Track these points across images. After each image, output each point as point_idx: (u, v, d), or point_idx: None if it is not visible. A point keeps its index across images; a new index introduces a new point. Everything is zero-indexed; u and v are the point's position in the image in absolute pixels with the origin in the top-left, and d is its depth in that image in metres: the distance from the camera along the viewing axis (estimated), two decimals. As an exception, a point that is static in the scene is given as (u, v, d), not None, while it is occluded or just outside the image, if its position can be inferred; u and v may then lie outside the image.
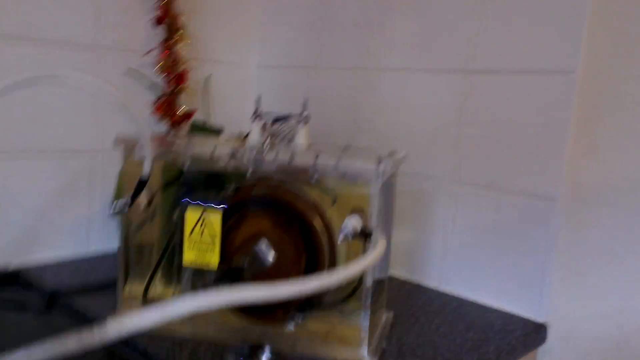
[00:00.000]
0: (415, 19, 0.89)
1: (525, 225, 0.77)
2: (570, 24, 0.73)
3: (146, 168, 0.61)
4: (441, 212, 0.86)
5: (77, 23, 0.89)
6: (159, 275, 0.70)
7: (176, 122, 0.97)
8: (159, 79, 0.97)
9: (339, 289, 0.63)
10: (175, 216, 0.67)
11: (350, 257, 0.62)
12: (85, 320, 0.73)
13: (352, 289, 0.62)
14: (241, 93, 1.15)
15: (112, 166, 0.96)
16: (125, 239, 0.70)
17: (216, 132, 0.97)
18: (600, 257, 0.72)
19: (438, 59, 0.86)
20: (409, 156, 0.90)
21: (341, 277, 0.42)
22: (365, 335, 0.61)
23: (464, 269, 0.84)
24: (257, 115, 0.72)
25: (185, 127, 0.98)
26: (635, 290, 0.70)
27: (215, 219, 0.64)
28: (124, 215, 0.67)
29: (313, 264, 0.63)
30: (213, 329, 0.67)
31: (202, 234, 0.64)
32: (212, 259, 0.64)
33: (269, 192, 0.64)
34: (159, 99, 0.96)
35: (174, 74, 0.95)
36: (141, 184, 0.63)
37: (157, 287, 0.71)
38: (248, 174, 0.64)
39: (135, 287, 0.70)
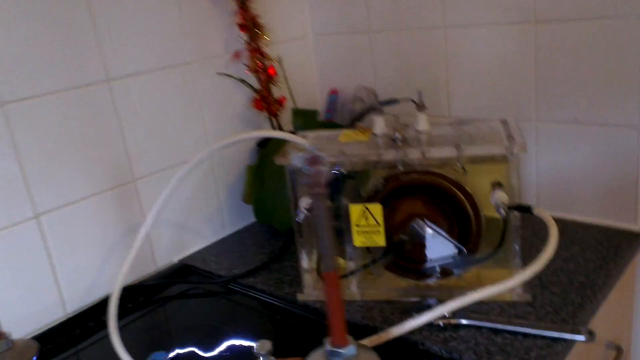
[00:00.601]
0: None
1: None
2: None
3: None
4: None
5: (171, 48, 0.98)
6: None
7: (273, 113, 1.08)
8: (249, 77, 1.07)
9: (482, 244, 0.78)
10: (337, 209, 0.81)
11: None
12: (264, 296, 0.89)
13: (498, 243, 0.76)
14: (305, 66, 1.24)
15: (230, 160, 1.09)
16: (300, 230, 0.84)
17: (313, 113, 1.08)
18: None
19: (503, 11, 0.95)
20: (494, 107, 1.02)
21: (543, 261, 0.57)
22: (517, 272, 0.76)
23: (561, 192, 0.99)
24: (378, 109, 0.84)
25: (283, 113, 1.09)
26: None
27: (376, 208, 0.77)
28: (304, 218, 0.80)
29: (465, 231, 0.77)
30: (388, 293, 0.83)
31: (367, 220, 0.78)
32: (380, 240, 0.78)
33: (417, 179, 0.77)
34: (255, 95, 1.06)
35: (263, 71, 1.05)
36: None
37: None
38: (399, 167, 0.76)
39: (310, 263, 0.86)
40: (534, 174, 1.01)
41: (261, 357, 0.58)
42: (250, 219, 1.15)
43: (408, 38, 1.08)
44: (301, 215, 0.78)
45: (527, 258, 0.78)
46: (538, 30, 0.92)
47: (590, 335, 0.68)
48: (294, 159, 0.45)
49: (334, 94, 1.23)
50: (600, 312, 0.79)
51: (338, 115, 1.22)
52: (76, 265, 0.90)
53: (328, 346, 0.52)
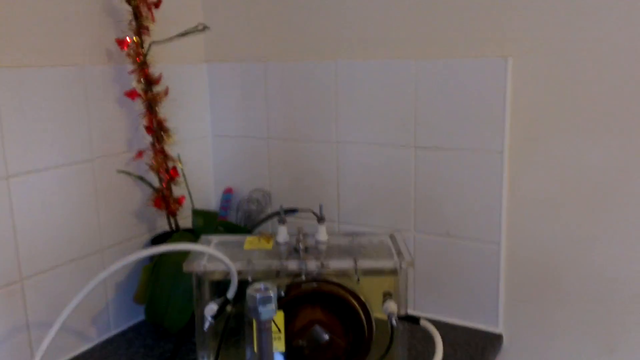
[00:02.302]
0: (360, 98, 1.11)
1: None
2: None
3: (231, 291, 0.78)
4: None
5: (74, 145, 0.98)
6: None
7: (172, 212, 1.10)
8: (149, 176, 1.09)
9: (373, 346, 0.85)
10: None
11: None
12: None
13: (386, 349, 0.84)
14: (202, 165, 1.28)
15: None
16: (202, 336, 0.85)
17: (214, 215, 1.12)
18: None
19: (384, 135, 1.10)
20: (379, 217, 1.14)
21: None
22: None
23: (434, 296, 1.11)
24: (282, 219, 0.90)
25: (180, 214, 1.11)
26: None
27: (278, 315, 0.82)
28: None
29: (358, 336, 0.84)
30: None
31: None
32: (280, 345, 0.82)
33: (317, 288, 0.83)
34: (155, 194, 1.08)
35: (166, 171, 1.07)
36: (226, 301, 0.79)
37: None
38: (302, 276, 0.83)
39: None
40: (412, 279, 1.12)
41: None
42: (137, 317, 1.12)
43: (303, 148, 1.18)
44: (207, 323, 0.80)
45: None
46: (417, 153, 1.07)
47: None
48: (249, 298, 0.49)
49: (228, 192, 1.28)
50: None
51: (232, 213, 1.27)
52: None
53: None
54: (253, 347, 0.83)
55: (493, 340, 1.03)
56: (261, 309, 0.50)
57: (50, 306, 0.96)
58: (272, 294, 0.50)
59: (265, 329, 0.51)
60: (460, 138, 1.03)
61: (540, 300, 1.03)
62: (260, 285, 0.51)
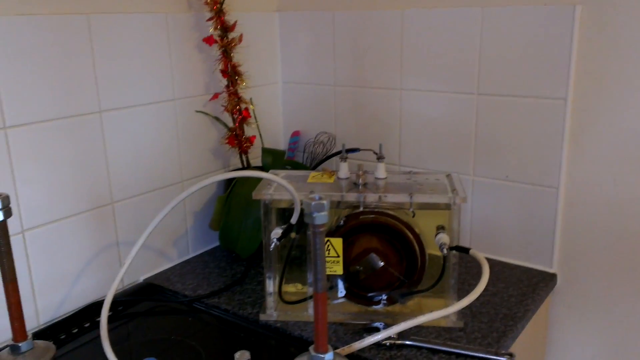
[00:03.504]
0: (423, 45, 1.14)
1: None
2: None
3: (295, 217, 0.86)
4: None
5: (158, 86, 1.09)
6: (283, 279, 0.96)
7: (244, 150, 1.19)
8: (224, 117, 1.19)
9: (425, 277, 0.92)
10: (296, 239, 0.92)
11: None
12: (227, 315, 0.98)
13: (438, 277, 0.90)
14: (272, 109, 1.36)
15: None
16: (269, 256, 0.94)
17: (282, 153, 1.20)
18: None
19: (452, 83, 1.12)
20: (438, 161, 1.18)
21: (476, 295, 0.70)
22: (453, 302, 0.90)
23: (490, 237, 1.15)
24: (344, 157, 0.97)
25: (251, 152, 1.21)
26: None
27: (337, 242, 0.89)
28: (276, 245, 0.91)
29: (411, 265, 0.90)
30: (341, 316, 0.94)
31: (329, 252, 0.90)
32: (338, 269, 0.90)
33: (374, 219, 0.90)
34: (229, 133, 1.17)
35: (239, 112, 1.16)
36: (290, 226, 0.88)
37: (289, 287, 0.98)
38: (361, 208, 0.89)
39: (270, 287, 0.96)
40: (469, 220, 1.16)
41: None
42: (212, 244, 1.24)
43: (368, 94, 1.23)
44: (273, 245, 0.89)
45: (460, 291, 0.92)
46: (480, 100, 1.10)
47: (511, 357, 0.82)
48: (305, 205, 0.57)
49: (296, 135, 1.36)
50: (519, 339, 0.94)
51: (299, 155, 1.35)
52: (53, 279, 0.96)
53: (312, 352, 0.63)
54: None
55: (546, 279, 1.06)
56: (315, 214, 0.57)
57: (137, 227, 1.08)
58: (325, 202, 0.57)
59: (318, 233, 0.58)
60: (523, 85, 1.05)
61: (595, 246, 1.05)
62: (315, 195, 0.58)
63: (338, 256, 0.90)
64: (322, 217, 0.57)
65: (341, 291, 0.92)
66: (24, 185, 0.90)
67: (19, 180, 0.89)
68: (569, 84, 1.00)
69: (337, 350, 0.81)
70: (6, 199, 0.59)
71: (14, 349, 0.63)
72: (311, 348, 0.64)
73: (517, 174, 1.09)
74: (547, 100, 1.03)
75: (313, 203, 0.57)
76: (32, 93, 0.89)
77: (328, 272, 0.91)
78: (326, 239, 0.89)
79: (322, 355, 0.62)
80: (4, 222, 0.60)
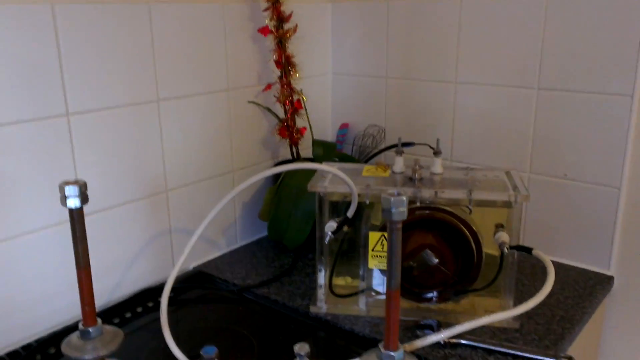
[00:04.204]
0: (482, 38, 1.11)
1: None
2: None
3: (351, 210, 0.85)
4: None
5: (213, 76, 1.09)
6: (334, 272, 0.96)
7: (295, 141, 1.19)
8: (276, 108, 1.18)
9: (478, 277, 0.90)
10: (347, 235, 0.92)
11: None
12: (277, 306, 0.98)
13: (494, 276, 0.88)
14: (322, 100, 1.36)
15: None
16: (322, 249, 0.94)
17: (332, 145, 1.20)
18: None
19: (511, 77, 1.09)
20: (493, 157, 1.15)
21: (542, 297, 0.68)
22: (510, 304, 0.88)
23: (546, 237, 1.12)
24: (399, 150, 0.96)
25: (301, 144, 1.20)
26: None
27: (392, 237, 0.88)
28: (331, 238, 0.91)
29: (467, 263, 0.89)
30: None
31: (383, 247, 0.89)
32: (392, 265, 0.89)
33: (430, 214, 0.89)
34: (280, 124, 1.17)
35: (291, 103, 1.16)
36: (346, 219, 0.88)
37: (338, 280, 0.97)
38: (417, 203, 0.88)
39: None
40: (524, 218, 1.14)
41: (298, 358, 0.67)
42: (259, 234, 1.25)
43: (420, 87, 1.21)
44: (327, 238, 0.89)
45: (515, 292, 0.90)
46: (540, 95, 1.06)
47: (569, 360, 0.80)
48: (383, 200, 0.56)
49: (344, 127, 1.35)
50: (576, 342, 0.92)
51: (347, 147, 1.34)
52: (107, 264, 0.98)
53: (382, 349, 0.62)
54: (365, 265, 0.91)
55: (603, 281, 1.03)
56: (394, 210, 0.56)
57: (189, 215, 1.09)
58: (404, 198, 0.56)
59: (396, 230, 0.57)
60: (586, 80, 1.01)
61: (659, 249, 1.01)
62: (394, 190, 0.57)
63: (392, 251, 0.89)
64: (400, 214, 0.56)
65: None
66: (83, 171, 0.91)
67: (79, 167, 0.91)
68: (636, 80, 0.96)
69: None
70: (84, 186, 0.60)
71: (84, 333, 0.64)
72: (380, 345, 0.63)
73: (577, 172, 1.05)
74: (611, 96, 0.99)
75: (392, 199, 0.56)
76: (94, 80, 0.90)
77: (381, 267, 0.90)
78: (380, 233, 0.89)
79: (393, 354, 0.61)
80: (81, 208, 0.61)
